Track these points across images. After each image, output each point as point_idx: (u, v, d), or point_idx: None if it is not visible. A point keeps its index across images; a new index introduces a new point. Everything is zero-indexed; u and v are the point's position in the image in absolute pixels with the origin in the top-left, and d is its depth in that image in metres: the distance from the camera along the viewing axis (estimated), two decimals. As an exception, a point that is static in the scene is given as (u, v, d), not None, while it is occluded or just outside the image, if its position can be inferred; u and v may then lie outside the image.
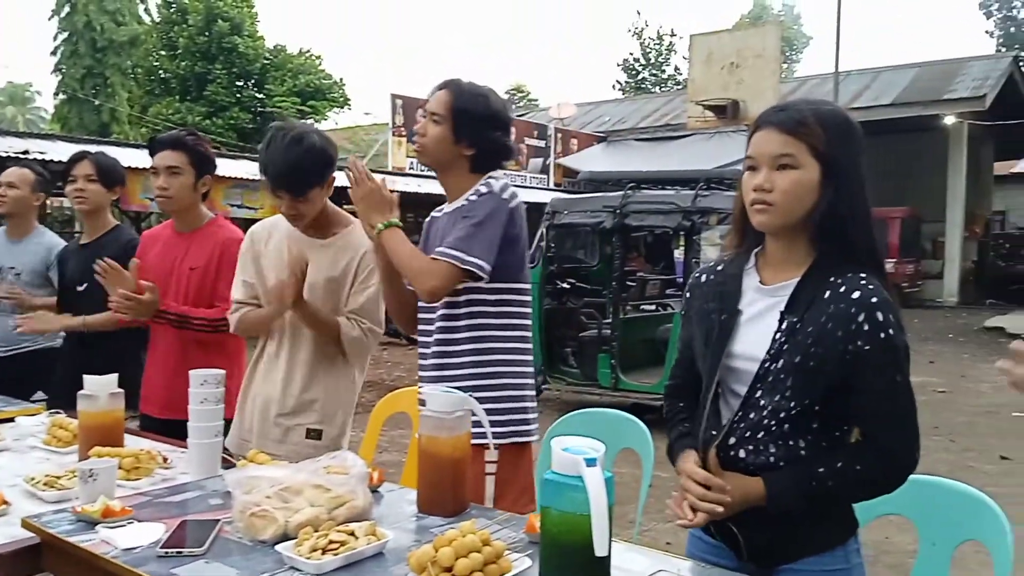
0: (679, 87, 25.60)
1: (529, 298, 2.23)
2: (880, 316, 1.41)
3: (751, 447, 1.50)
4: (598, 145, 19.39)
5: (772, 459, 1.49)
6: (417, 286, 2.05)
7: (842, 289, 1.45)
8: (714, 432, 1.54)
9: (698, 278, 1.71)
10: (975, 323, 14.01)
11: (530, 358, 2.20)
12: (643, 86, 36.84)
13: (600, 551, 1.17)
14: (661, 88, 35.43)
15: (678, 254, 11.50)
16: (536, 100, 35.64)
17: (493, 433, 1.86)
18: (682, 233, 7.45)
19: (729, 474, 1.50)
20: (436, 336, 2.12)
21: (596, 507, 1.17)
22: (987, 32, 38.41)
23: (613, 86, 39.23)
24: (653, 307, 8.71)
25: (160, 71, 26.48)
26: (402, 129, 15.44)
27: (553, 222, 7.49)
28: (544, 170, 18.36)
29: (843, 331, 1.42)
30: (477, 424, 1.78)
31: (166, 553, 1.42)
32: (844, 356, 1.42)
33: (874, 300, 1.42)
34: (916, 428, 1.46)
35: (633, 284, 8.60)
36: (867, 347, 1.41)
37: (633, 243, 11.48)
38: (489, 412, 1.89)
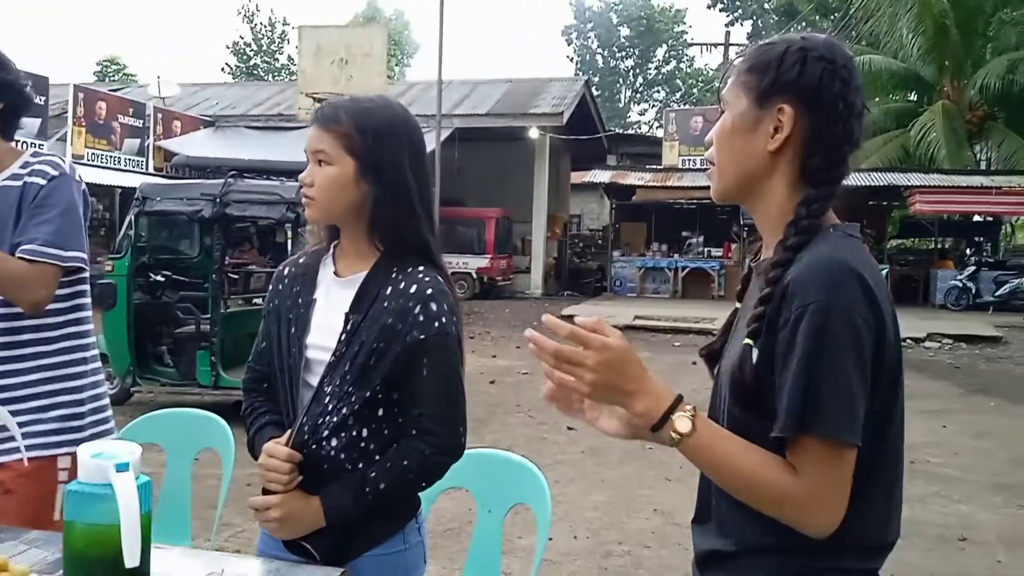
0: (293, 77, 25.20)
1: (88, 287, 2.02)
2: (434, 307, 1.51)
3: (320, 439, 1.51)
4: (205, 129, 18.24)
5: (334, 452, 1.51)
6: (19, 297, 1.75)
7: (401, 285, 1.52)
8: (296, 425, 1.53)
9: (281, 270, 1.70)
10: (555, 311, 15.90)
11: (95, 354, 2.01)
12: (255, 72, 35.63)
13: (130, 562, 1.08)
14: (274, 76, 34.59)
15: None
16: (134, 75, 32.44)
17: (69, 441, 1.73)
18: (287, 225, 7.32)
19: (289, 496, 1.49)
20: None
21: (126, 515, 1.07)
22: (568, 57, 44.05)
23: (222, 69, 37.24)
24: (260, 300, 8.45)
25: None
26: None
27: (144, 209, 6.84)
28: (142, 152, 16.73)
29: (401, 324, 1.49)
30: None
31: None
32: (402, 348, 1.49)
33: (428, 292, 1.51)
34: (462, 413, 1.56)
35: (237, 276, 8.26)
36: (421, 336, 1.49)
37: (245, 234, 11.03)
38: (61, 417, 1.80)
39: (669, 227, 20.16)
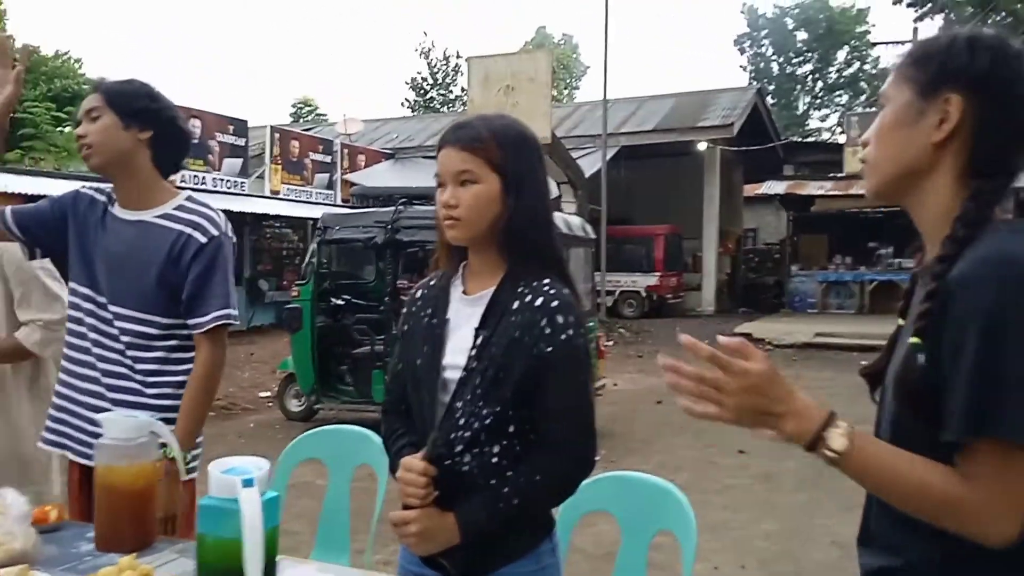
0: (465, 107, 26.15)
1: None
2: (560, 319, 1.49)
3: (453, 455, 1.52)
4: (386, 162, 19.28)
5: (467, 467, 1.52)
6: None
7: (527, 298, 1.51)
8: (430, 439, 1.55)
9: (414, 293, 1.73)
10: (728, 329, 15.35)
11: None
12: (431, 105, 37.29)
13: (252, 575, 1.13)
14: (449, 107, 36.04)
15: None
16: (324, 115, 34.93)
17: None
18: (455, 249, 7.54)
19: (427, 512, 1.50)
20: (149, 366, 2.06)
21: (249, 530, 1.12)
22: (741, 67, 42.75)
23: (402, 104, 39.31)
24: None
25: None
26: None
27: (325, 238, 7.33)
28: (330, 185, 17.98)
29: (529, 338, 1.49)
30: None
31: None
32: (531, 361, 1.48)
33: (554, 304, 1.50)
34: (592, 426, 1.53)
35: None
36: (549, 349, 1.48)
37: (415, 259, 11.49)
38: None
39: (853, 238, 18.92)
